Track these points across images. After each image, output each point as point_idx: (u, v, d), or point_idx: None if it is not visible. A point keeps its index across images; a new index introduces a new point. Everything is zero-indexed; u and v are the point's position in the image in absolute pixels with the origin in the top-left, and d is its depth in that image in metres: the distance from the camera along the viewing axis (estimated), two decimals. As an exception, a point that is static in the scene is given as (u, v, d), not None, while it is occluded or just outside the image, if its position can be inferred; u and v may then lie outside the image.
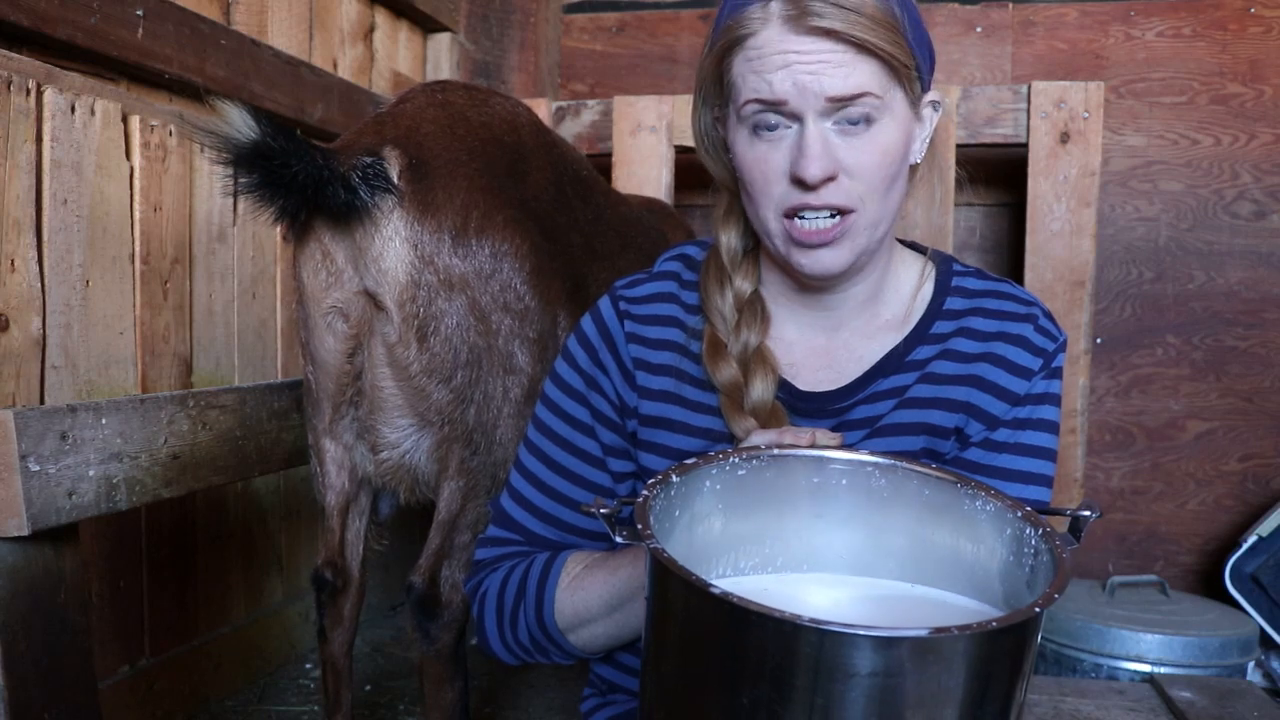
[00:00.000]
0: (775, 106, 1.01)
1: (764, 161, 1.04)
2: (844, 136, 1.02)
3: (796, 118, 1.02)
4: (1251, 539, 2.68)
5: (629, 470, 1.21)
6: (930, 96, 1.10)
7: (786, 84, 1.00)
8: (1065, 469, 2.64)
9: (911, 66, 1.04)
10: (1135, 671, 2.28)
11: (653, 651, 0.82)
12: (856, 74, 1.00)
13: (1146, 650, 2.30)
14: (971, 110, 2.71)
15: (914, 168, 1.13)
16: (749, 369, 1.11)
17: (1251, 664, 2.41)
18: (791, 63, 0.99)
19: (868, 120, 1.02)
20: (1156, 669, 2.27)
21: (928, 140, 1.12)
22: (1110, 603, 2.46)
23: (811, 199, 1.02)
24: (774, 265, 1.16)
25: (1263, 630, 2.58)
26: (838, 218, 1.04)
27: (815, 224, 1.04)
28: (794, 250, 1.06)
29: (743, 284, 1.15)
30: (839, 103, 1.00)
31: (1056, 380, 1.14)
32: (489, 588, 1.20)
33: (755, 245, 1.18)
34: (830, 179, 1.02)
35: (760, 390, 1.10)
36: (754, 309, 1.15)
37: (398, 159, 1.54)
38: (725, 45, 1.04)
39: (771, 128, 1.03)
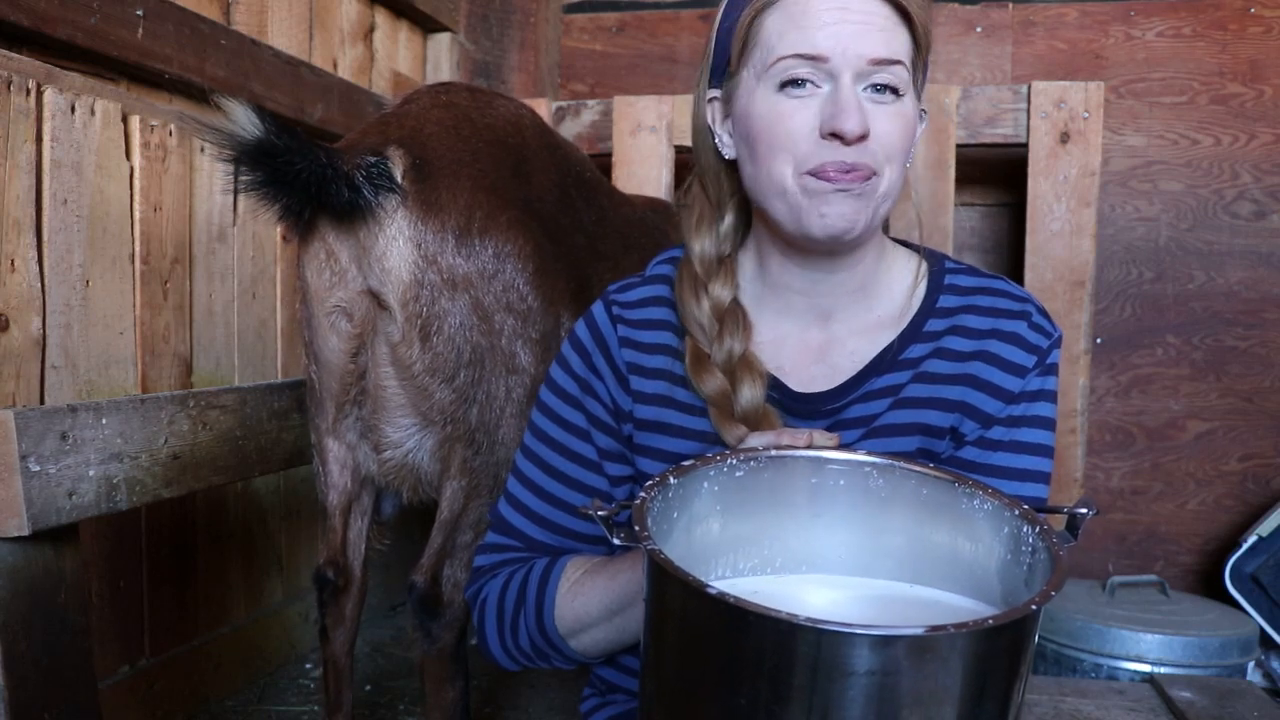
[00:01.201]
0: (815, 62, 1.02)
1: (789, 118, 1.03)
2: (873, 103, 1.03)
3: (831, 77, 1.02)
4: (1251, 539, 2.68)
5: (626, 474, 1.20)
6: (920, 105, 1.11)
7: (830, 40, 1.01)
8: (1065, 469, 2.64)
9: (926, 54, 1.06)
10: (1135, 671, 2.28)
11: (651, 652, 0.82)
12: (896, 40, 1.02)
13: (1146, 650, 2.30)
14: (971, 110, 2.71)
15: None
16: (735, 376, 1.10)
17: (1251, 664, 2.41)
18: (837, 21, 1.01)
19: (895, 92, 1.03)
20: (1156, 669, 2.27)
21: (913, 151, 1.12)
22: (1110, 603, 2.46)
23: (847, 154, 1.02)
24: (771, 243, 1.14)
25: (1263, 630, 2.58)
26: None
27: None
28: (812, 202, 1.04)
29: (721, 292, 1.13)
30: (877, 66, 1.01)
31: (1052, 377, 1.14)
32: (489, 594, 1.20)
33: (730, 252, 1.17)
34: (864, 137, 1.02)
35: (749, 396, 1.09)
36: (735, 316, 1.13)
37: (401, 159, 1.54)
38: (761, 5, 1.05)
39: (800, 85, 1.03)
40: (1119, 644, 2.32)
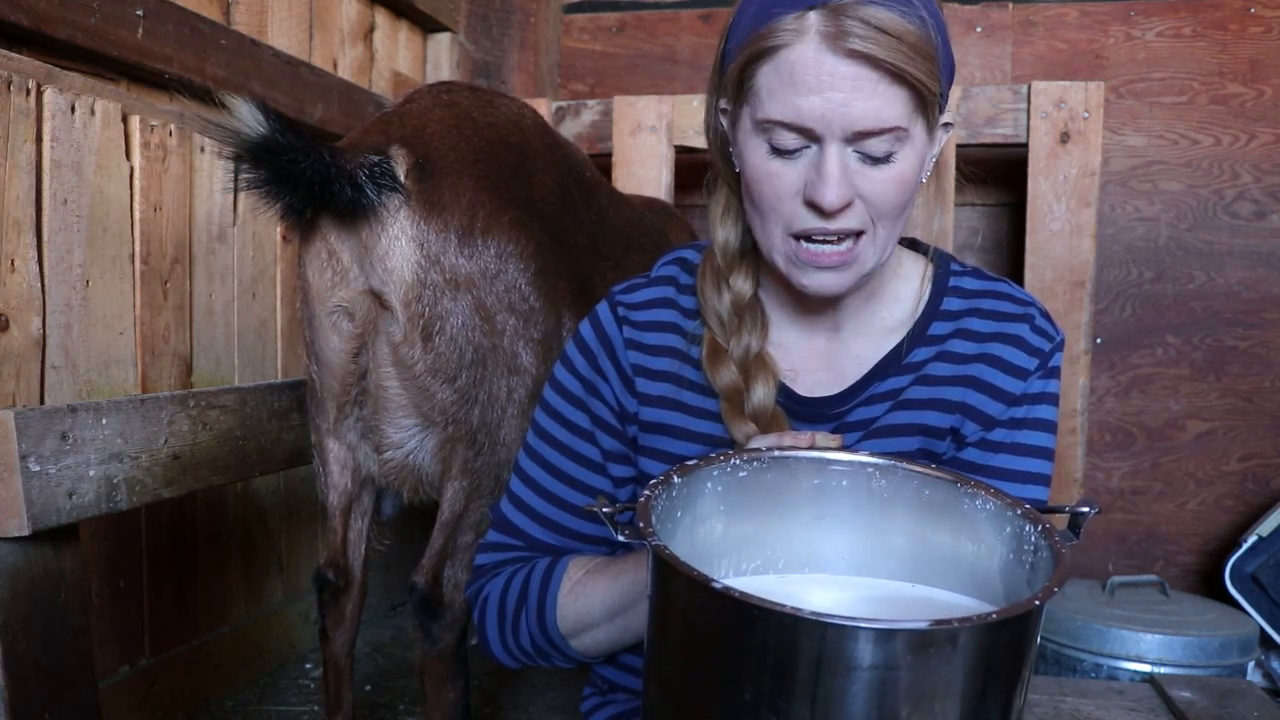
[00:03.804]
0: (801, 133, 0.99)
1: (776, 178, 1.01)
2: (863, 165, 1.00)
3: (817, 140, 0.99)
4: (1251, 539, 2.68)
5: (629, 475, 1.20)
6: (945, 118, 1.08)
7: (815, 111, 0.96)
8: (1065, 469, 2.64)
9: (938, 94, 1.01)
10: (1135, 671, 2.28)
11: (655, 649, 0.82)
12: (888, 107, 0.97)
13: (1146, 650, 2.30)
14: (971, 110, 2.71)
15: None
16: (749, 374, 1.10)
17: (1251, 664, 2.41)
18: (824, 88, 0.96)
19: (888, 156, 0.99)
20: (1156, 669, 2.27)
21: (935, 158, 1.10)
22: (1110, 603, 2.46)
23: (827, 224, 1.00)
24: (773, 270, 1.15)
25: (1263, 630, 2.58)
26: (848, 242, 1.02)
27: (823, 248, 1.02)
28: (796, 270, 1.05)
29: (742, 286, 1.13)
30: (864, 137, 0.98)
31: (1054, 380, 1.14)
32: (490, 593, 1.20)
33: (754, 244, 1.18)
34: (846, 206, 1.00)
35: (761, 395, 1.09)
36: (754, 312, 1.13)
37: (404, 158, 1.54)
38: (753, 54, 1.00)
39: (789, 149, 1.00)
40: (1119, 644, 2.32)
